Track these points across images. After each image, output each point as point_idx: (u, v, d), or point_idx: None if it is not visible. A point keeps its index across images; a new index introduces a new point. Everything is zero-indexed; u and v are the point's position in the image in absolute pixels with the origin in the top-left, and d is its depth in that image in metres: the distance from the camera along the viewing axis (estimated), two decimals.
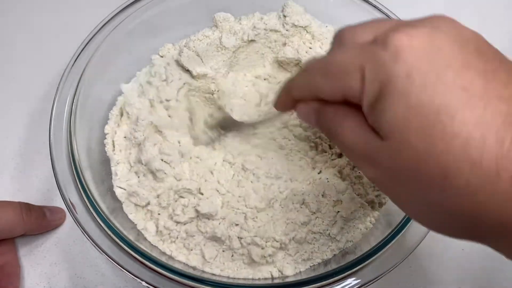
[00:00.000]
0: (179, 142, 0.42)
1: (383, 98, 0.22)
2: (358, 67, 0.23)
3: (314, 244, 0.39)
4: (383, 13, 0.45)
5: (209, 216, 0.38)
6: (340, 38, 0.26)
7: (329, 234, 0.39)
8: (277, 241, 0.38)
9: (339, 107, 0.25)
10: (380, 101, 0.22)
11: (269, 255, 0.38)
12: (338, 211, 0.39)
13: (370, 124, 0.23)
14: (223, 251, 0.38)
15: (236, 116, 0.44)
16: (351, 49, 0.24)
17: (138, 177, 0.41)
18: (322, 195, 0.40)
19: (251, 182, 0.41)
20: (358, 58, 0.23)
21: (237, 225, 0.38)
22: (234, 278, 0.38)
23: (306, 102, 0.28)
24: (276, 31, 0.46)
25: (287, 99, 0.30)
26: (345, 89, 0.24)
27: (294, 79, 0.29)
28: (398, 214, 0.38)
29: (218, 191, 0.40)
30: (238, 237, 0.38)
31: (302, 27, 0.46)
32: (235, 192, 0.40)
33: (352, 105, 0.24)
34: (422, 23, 0.23)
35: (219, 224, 0.38)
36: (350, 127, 0.25)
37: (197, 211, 0.38)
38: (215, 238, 0.38)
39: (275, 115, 0.37)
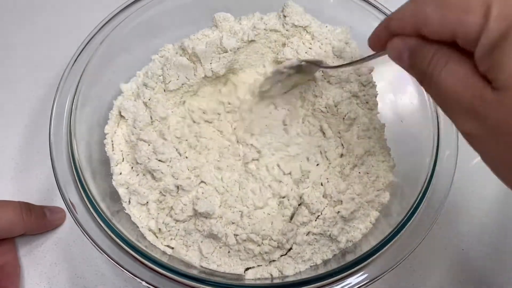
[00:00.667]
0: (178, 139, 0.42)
1: (508, 41, 0.19)
2: (482, 4, 0.20)
3: (314, 245, 0.39)
4: (383, 13, 0.45)
5: (206, 215, 0.38)
6: None
7: (329, 235, 0.39)
8: (274, 240, 0.38)
9: (442, 47, 0.23)
10: (503, 43, 0.19)
11: (266, 253, 0.38)
12: (339, 211, 0.39)
13: (481, 71, 0.21)
14: (220, 247, 0.39)
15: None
16: None
17: (138, 176, 0.41)
18: (323, 196, 0.40)
19: (251, 182, 0.41)
20: None
21: (233, 223, 0.38)
22: (234, 278, 0.38)
23: (402, 37, 0.25)
24: (276, 31, 0.46)
25: (384, 33, 0.27)
26: (459, 24, 0.21)
27: (397, 10, 0.26)
28: (398, 214, 0.38)
29: (217, 190, 0.40)
30: (234, 234, 0.38)
31: (302, 27, 0.46)
32: (234, 191, 0.40)
33: (457, 48, 0.22)
34: None
35: (217, 222, 0.38)
36: (454, 71, 0.22)
37: (195, 210, 0.38)
38: (212, 236, 0.38)
39: (359, 60, 0.35)
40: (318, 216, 0.39)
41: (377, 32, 0.28)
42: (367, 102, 0.44)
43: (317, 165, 0.42)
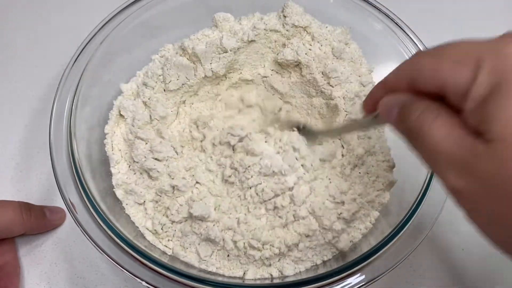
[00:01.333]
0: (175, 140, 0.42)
1: (499, 94, 0.19)
2: (474, 56, 0.21)
3: (315, 248, 0.39)
4: (383, 13, 0.45)
5: (202, 218, 0.38)
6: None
7: (331, 237, 0.39)
8: (276, 247, 0.38)
9: (432, 103, 0.23)
10: (494, 97, 0.19)
11: (267, 258, 0.38)
12: (340, 213, 0.39)
13: (470, 124, 0.21)
14: (218, 250, 0.39)
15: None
16: (470, 41, 0.22)
17: (135, 175, 0.41)
18: (328, 198, 0.39)
19: (246, 187, 0.41)
20: (478, 48, 0.21)
21: (230, 229, 0.38)
22: (233, 278, 0.38)
23: (394, 94, 0.26)
24: (276, 31, 0.46)
25: (380, 92, 0.27)
26: (451, 75, 0.21)
27: (394, 69, 0.26)
28: (398, 214, 0.38)
29: (210, 193, 0.40)
30: (232, 241, 0.38)
31: (302, 27, 0.46)
32: (227, 196, 0.40)
33: (444, 104, 0.22)
34: None
35: (214, 226, 0.38)
36: (443, 126, 0.22)
37: (190, 212, 0.38)
38: (209, 239, 0.38)
39: (351, 126, 0.36)
40: (319, 220, 0.39)
41: (371, 94, 0.29)
42: None
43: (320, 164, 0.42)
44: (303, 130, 0.42)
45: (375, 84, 0.27)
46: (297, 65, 0.46)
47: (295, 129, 0.42)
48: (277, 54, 0.46)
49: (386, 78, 0.27)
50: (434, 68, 0.22)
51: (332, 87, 0.44)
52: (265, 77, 0.48)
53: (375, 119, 0.29)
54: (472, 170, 0.20)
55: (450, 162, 0.21)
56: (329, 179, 0.41)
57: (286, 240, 0.38)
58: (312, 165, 0.41)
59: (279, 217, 0.39)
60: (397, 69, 0.26)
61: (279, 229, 0.38)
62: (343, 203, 0.39)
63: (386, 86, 0.27)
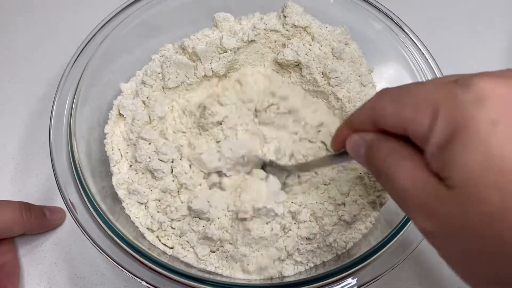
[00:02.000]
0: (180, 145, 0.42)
1: (456, 141, 0.19)
2: (431, 102, 0.21)
3: (315, 251, 0.39)
4: (383, 13, 0.45)
5: (200, 214, 0.38)
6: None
7: (332, 240, 0.39)
8: (276, 250, 0.38)
9: (397, 144, 0.23)
10: (453, 144, 0.20)
11: (265, 266, 0.38)
12: (342, 216, 0.39)
13: (432, 169, 0.21)
14: (217, 249, 0.39)
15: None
16: (429, 83, 0.22)
17: (137, 175, 0.41)
18: (327, 200, 0.39)
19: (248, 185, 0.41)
20: (435, 94, 0.21)
21: (228, 231, 0.38)
22: (233, 277, 0.38)
23: (360, 133, 0.26)
24: (276, 31, 0.46)
25: (345, 131, 0.28)
26: (411, 121, 0.22)
27: (358, 108, 0.27)
28: (398, 214, 0.38)
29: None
30: (229, 243, 0.38)
31: (302, 27, 0.46)
32: (231, 198, 0.40)
33: (409, 144, 0.22)
34: (506, 73, 0.21)
35: (210, 224, 0.38)
36: (408, 169, 0.22)
37: (189, 208, 0.38)
38: (207, 238, 0.38)
39: (322, 161, 0.35)
40: (321, 224, 0.39)
41: (339, 131, 0.29)
42: None
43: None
44: (272, 167, 0.41)
45: (362, 104, 0.26)
46: (297, 65, 0.46)
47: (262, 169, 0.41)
48: (277, 54, 0.46)
49: (350, 118, 0.28)
50: (396, 113, 0.23)
51: (332, 87, 0.44)
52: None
53: (345, 156, 0.29)
54: (436, 214, 0.21)
55: (416, 205, 0.22)
56: (329, 180, 0.41)
57: (288, 247, 0.38)
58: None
59: (278, 223, 0.39)
60: (360, 110, 0.26)
61: (278, 229, 0.38)
62: (343, 204, 0.39)
63: (351, 126, 0.27)
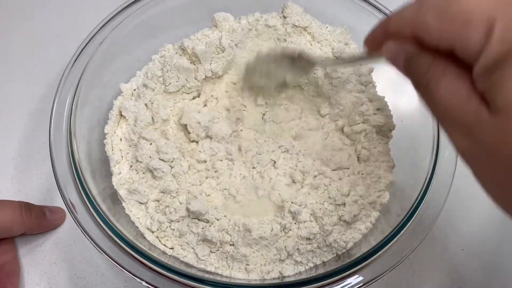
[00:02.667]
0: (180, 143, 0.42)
1: (509, 64, 0.18)
2: (486, 18, 0.19)
3: (315, 251, 0.39)
4: (383, 13, 0.45)
5: (198, 215, 0.38)
6: None
7: (332, 240, 0.39)
8: (276, 250, 0.38)
9: (440, 57, 0.22)
10: (504, 67, 0.19)
11: (266, 266, 0.38)
12: (342, 216, 0.39)
13: (478, 89, 0.20)
14: (217, 249, 0.39)
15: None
16: None
17: (138, 175, 0.41)
18: (327, 200, 0.39)
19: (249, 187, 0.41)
20: (490, 8, 0.19)
21: (228, 233, 0.38)
22: (233, 278, 0.38)
23: (398, 41, 0.24)
24: (276, 29, 0.46)
25: (381, 33, 0.26)
26: (459, 38, 0.20)
27: (397, 11, 0.24)
28: (398, 214, 0.38)
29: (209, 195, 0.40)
30: (230, 244, 0.38)
31: (302, 27, 0.46)
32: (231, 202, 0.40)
33: (456, 60, 0.21)
34: None
35: (210, 226, 0.38)
36: (451, 86, 0.21)
37: (188, 209, 0.38)
38: (207, 239, 0.38)
39: (356, 59, 0.34)
40: (321, 224, 0.38)
41: (374, 32, 0.27)
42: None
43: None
44: (299, 61, 0.39)
45: (401, 9, 0.24)
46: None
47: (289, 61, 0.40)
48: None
49: (388, 23, 0.25)
50: (441, 28, 0.21)
51: (334, 87, 0.44)
52: None
53: (379, 56, 0.28)
54: (475, 134, 0.20)
55: (455, 123, 0.21)
56: (330, 179, 0.41)
57: (288, 247, 0.38)
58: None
59: (278, 223, 0.39)
60: (400, 16, 0.24)
61: (277, 229, 0.38)
62: (344, 205, 0.39)
63: (388, 31, 0.25)
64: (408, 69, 0.24)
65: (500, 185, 0.21)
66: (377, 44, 0.27)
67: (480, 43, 0.19)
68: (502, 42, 0.19)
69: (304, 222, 0.38)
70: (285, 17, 0.46)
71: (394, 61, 0.25)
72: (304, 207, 0.39)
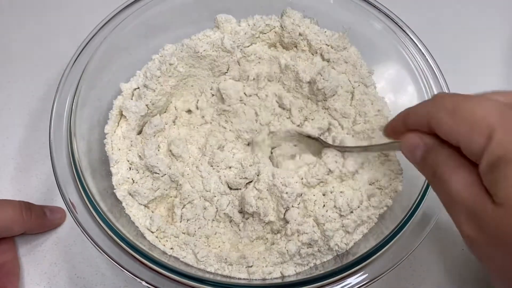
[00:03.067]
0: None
1: (505, 164, 0.22)
2: (487, 125, 0.23)
3: (316, 254, 0.39)
4: (383, 13, 0.45)
5: (196, 218, 0.38)
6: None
7: (333, 244, 0.38)
8: (278, 253, 0.38)
9: (454, 152, 0.25)
10: (502, 166, 0.22)
11: (266, 267, 0.38)
12: (345, 224, 0.39)
13: (484, 183, 0.23)
14: (216, 250, 0.39)
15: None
16: (487, 102, 0.24)
17: (138, 175, 0.41)
18: (332, 208, 0.39)
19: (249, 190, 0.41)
20: (490, 116, 0.23)
21: (224, 242, 0.38)
22: (233, 278, 0.38)
23: (419, 134, 0.28)
24: (275, 32, 0.47)
25: (400, 125, 0.30)
26: (466, 138, 0.24)
27: (415, 106, 0.29)
28: (398, 215, 0.38)
29: (205, 198, 0.40)
30: (226, 260, 0.38)
31: (299, 34, 0.46)
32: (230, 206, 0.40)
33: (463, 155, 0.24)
34: None
35: (209, 228, 0.38)
36: (462, 179, 0.24)
37: (182, 214, 0.38)
38: (205, 241, 0.38)
39: (373, 147, 0.37)
40: (323, 232, 0.38)
41: (394, 122, 0.31)
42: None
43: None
44: (314, 142, 0.43)
45: (418, 105, 0.29)
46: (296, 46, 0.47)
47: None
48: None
49: (407, 116, 0.29)
50: (451, 127, 0.25)
51: (330, 95, 0.44)
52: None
53: (396, 145, 0.32)
54: (482, 224, 0.23)
55: (464, 211, 0.24)
56: (341, 192, 0.40)
57: (290, 252, 0.37)
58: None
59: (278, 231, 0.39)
60: (416, 110, 0.28)
61: (283, 241, 0.38)
62: (349, 214, 0.39)
63: (407, 123, 0.29)
64: (424, 160, 0.27)
65: (503, 271, 0.24)
66: (395, 133, 0.31)
67: (483, 145, 0.23)
68: (500, 145, 0.22)
69: (307, 233, 0.38)
70: (283, 25, 0.46)
71: (411, 152, 0.29)
72: (308, 217, 0.39)
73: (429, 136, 0.27)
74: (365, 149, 0.39)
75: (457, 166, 0.25)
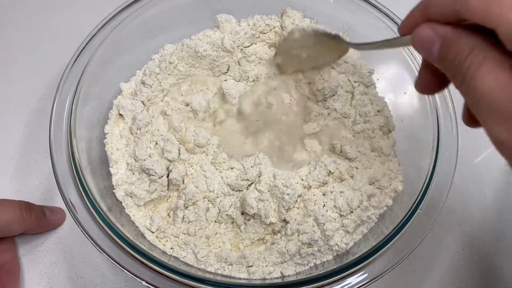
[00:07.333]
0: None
1: None
2: None
3: (316, 254, 0.39)
4: (383, 13, 0.46)
5: (198, 220, 0.38)
6: None
7: (333, 244, 0.39)
8: (278, 253, 0.38)
9: (480, 41, 0.20)
10: None
11: (266, 267, 0.38)
12: (345, 224, 0.39)
13: None
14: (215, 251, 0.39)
15: None
16: None
17: (134, 176, 0.41)
18: (332, 208, 0.39)
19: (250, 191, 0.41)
20: None
21: (224, 242, 0.38)
22: (233, 278, 0.38)
23: (433, 25, 0.23)
24: (275, 32, 0.46)
25: (420, 16, 0.24)
26: (506, 22, 0.19)
27: None
28: (398, 214, 0.38)
29: (208, 199, 0.40)
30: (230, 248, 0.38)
31: None
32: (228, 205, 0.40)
33: (495, 43, 0.20)
34: None
35: (210, 229, 0.38)
36: (492, 72, 0.20)
37: (185, 216, 0.38)
38: (205, 241, 0.38)
39: (389, 43, 0.32)
40: (323, 232, 0.38)
41: (411, 15, 0.25)
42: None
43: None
44: (332, 42, 0.40)
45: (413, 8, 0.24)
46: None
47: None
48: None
49: (426, 6, 0.24)
50: (485, 9, 0.20)
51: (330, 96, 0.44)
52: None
53: (408, 39, 0.26)
54: None
55: (497, 113, 0.20)
56: (341, 192, 0.40)
57: (290, 251, 0.37)
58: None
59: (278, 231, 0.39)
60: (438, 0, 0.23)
61: (283, 241, 0.38)
62: (349, 214, 0.39)
63: (427, 11, 0.24)
64: (444, 55, 0.22)
65: None
66: (413, 28, 0.25)
67: None
68: None
69: (307, 233, 0.38)
70: (283, 25, 0.46)
71: (426, 48, 0.23)
72: (308, 217, 0.39)
73: (447, 26, 0.22)
74: (380, 45, 0.35)
75: (485, 57, 0.20)
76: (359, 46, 0.39)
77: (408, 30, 0.26)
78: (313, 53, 0.43)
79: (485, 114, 0.20)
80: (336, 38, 0.40)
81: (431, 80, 0.26)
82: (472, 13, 0.20)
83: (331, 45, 0.41)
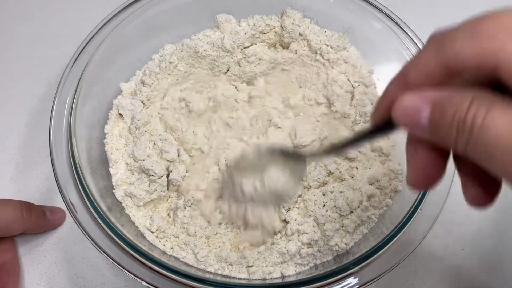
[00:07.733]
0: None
1: None
2: None
3: (316, 254, 0.39)
4: (383, 13, 0.45)
5: (194, 220, 0.38)
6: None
7: (333, 244, 0.39)
8: (278, 254, 0.38)
9: (478, 89, 0.19)
10: None
11: (266, 268, 0.38)
12: (345, 224, 0.39)
13: None
14: (216, 250, 0.39)
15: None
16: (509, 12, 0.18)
17: (134, 176, 0.41)
18: (332, 208, 0.39)
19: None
20: None
21: (224, 242, 0.38)
22: (233, 278, 0.38)
23: (417, 92, 0.20)
24: (275, 32, 0.46)
25: (396, 90, 0.21)
26: (506, 60, 0.17)
27: (411, 61, 0.21)
28: (398, 215, 0.38)
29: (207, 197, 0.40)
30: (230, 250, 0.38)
31: (300, 34, 0.46)
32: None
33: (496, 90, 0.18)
34: None
35: (210, 229, 0.38)
36: (502, 115, 0.17)
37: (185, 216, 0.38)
38: (205, 241, 0.38)
39: (354, 139, 0.27)
40: (323, 233, 0.38)
41: (386, 93, 0.22)
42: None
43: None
44: (287, 155, 0.37)
45: (417, 55, 0.21)
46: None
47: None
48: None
49: (404, 70, 0.21)
50: (477, 53, 0.18)
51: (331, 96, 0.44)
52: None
53: (386, 129, 0.23)
54: None
55: (509, 155, 0.17)
56: (341, 192, 0.40)
57: (290, 252, 0.37)
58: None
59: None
60: (418, 63, 0.20)
61: (283, 241, 0.38)
62: (349, 214, 0.39)
63: (406, 80, 0.21)
64: (436, 122, 0.19)
65: None
66: (389, 109, 0.21)
67: None
68: None
69: (307, 233, 0.38)
70: (283, 24, 0.46)
71: (412, 119, 0.20)
72: (308, 217, 0.39)
73: (434, 87, 0.20)
74: (352, 142, 0.28)
75: (489, 106, 0.17)
76: (316, 153, 0.34)
77: (384, 113, 0.22)
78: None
79: (507, 163, 0.18)
80: (288, 151, 0.36)
81: (426, 162, 0.23)
82: (462, 57, 0.18)
83: (291, 159, 0.36)
